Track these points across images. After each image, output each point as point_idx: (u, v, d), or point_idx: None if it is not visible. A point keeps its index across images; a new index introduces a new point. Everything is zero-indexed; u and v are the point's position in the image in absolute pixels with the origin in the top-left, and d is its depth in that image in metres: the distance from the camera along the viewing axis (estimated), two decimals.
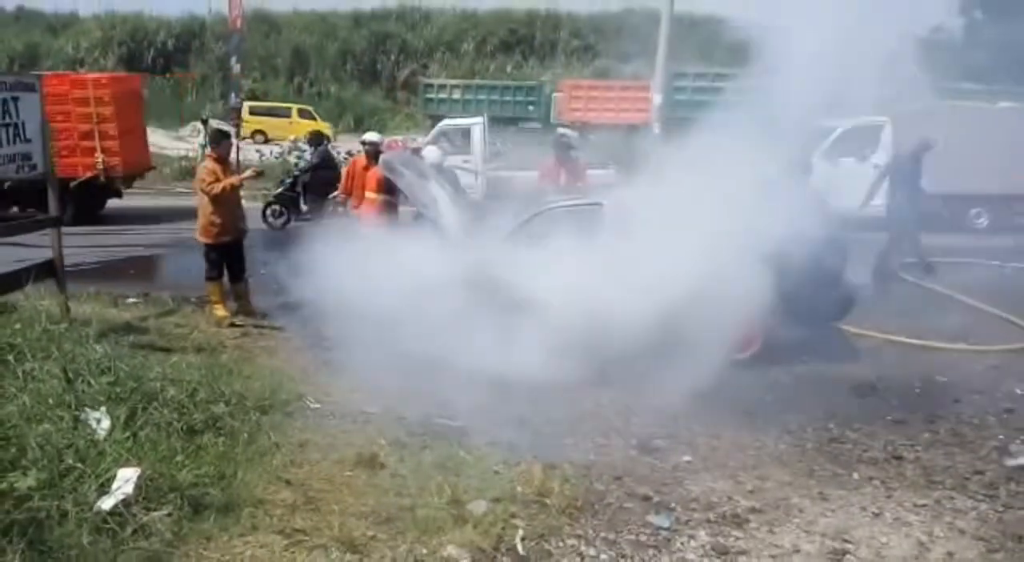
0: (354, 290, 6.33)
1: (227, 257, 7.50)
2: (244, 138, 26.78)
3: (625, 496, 4.11)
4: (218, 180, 7.16)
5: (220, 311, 7.40)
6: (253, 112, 30.31)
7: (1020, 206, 13.09)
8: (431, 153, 8.82)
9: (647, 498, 4.10)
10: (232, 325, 7.25)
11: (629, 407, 5.44)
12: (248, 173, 7.90)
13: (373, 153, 8.68)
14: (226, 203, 7.31)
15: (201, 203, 7.36)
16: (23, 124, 6.16)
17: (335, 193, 9.51)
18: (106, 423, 3.76)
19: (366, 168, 8.58)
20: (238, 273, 7.62)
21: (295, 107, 30.81)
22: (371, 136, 9.21)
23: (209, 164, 7.35)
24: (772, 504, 4.06)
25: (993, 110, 13.86)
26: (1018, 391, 5.78)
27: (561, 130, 14.46)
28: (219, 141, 7.63)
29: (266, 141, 27.17)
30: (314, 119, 29.64)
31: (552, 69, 35.88)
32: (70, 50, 37.20)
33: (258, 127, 28.71)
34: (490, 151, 15.05)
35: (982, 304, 7.91)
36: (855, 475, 4.45)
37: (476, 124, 14.73)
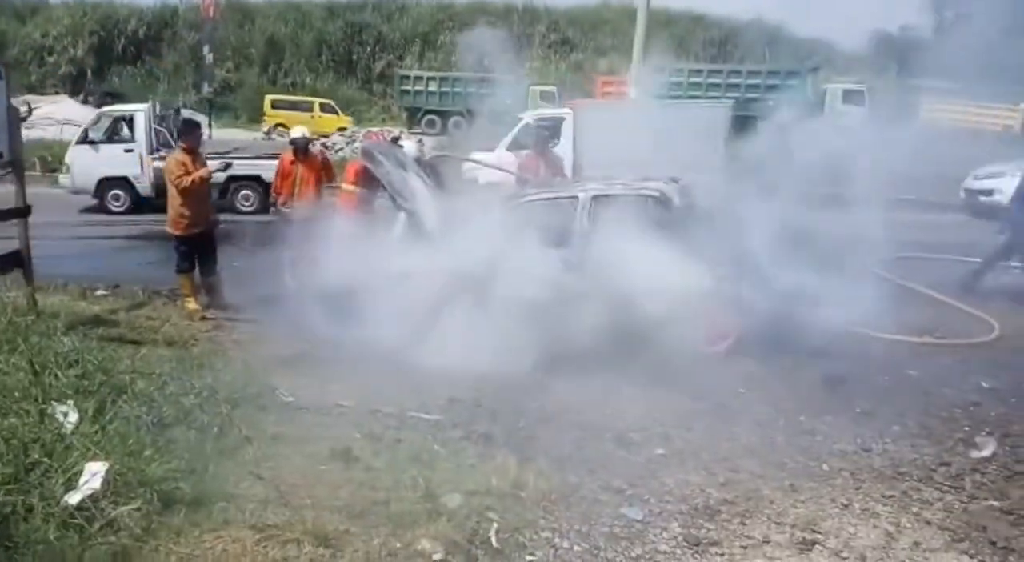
0: (329, 282, 6.30)
1: (198, 249, 7.40)
2: (267, 132, 26.52)
3: (599, 488, 4.13)
4: (187, 173, 7.07)
5: (191, 304, 7.32)
6: (275, 106, 30.14)
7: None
8: (408, 146, 8.78)
9: (621, 490, 4.12)
10: (204, 318, 7.17)
11: (603, 400, 5.46)
12: (217, 165, 7.80)
13: (302, 148, 8.45)
14: (195, 195, 7.21)
15: (170, 195, 7.26)
16: None
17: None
18: (73, 417, 3.70)
19: (292, 163, 8.41)
20: (210, 266, 7.53)
21: (317, 101, 30.54)
22: (295, 133, 8.83)
23: (179, 155, 7.24)
24: (744, 495, 4.11)
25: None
26: (984, 385, 5.89)
27: (538, 123, 14.46)
28: (189, 131, 7.52)
29: None
30: (336, 113, 29.42)
31: (529, 62, 35.84)
32: (38, 37, 36.44)
33: (281, 121, 28.27)
34: (157, 140, 14.55)
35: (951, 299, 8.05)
36: (825, 467, 4.51)
37: (140, 112, 14.30)
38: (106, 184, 14.27)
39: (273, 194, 8.66)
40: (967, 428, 5.12)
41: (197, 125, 8.03)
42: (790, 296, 6.00)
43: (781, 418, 5.22)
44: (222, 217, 8.64)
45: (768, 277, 6.01)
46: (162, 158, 13.96)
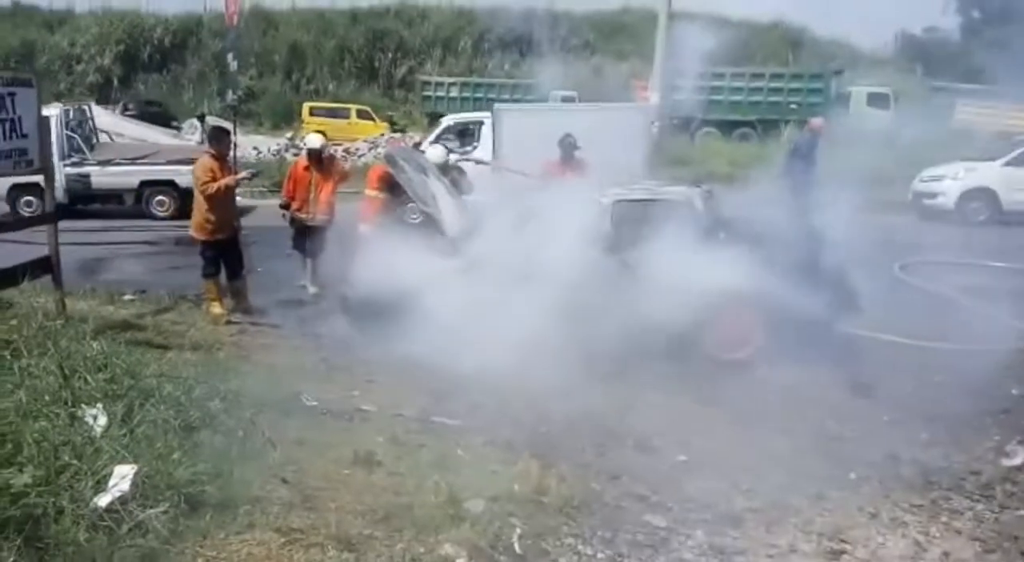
0: (353, 287, 6.34)
1: (223, 254, 7.48)
2: (290, 139, 26.69)
3: (622, 495, 4.10)
4: (215, 179, 7.15)
5: (216, 308, 7.39)
6: (313, 113, 30.49)
7: None
8: (434, 152, 8.78)
9: (644, 497, 4.09)
10: (229, 322, 7.23)
11: (625, 406, 5.44)
12: (244, 174, 7.89)
13: (316, 157, 8.45)
14: (221, 201, 7.30)
15: (196, 200, 7.36)
16: (19, 120, 6.13)
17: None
18: (103, 420, 3.74)
19: (307, 169, 8.40)
20: (236, 270, 7.60)
21: (354, 108, 30.77)
22: (312, 142, 8.76)
23: (207, 161, 7.33)
24: (769, 504, 4.07)
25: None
26: (1015, 392, 5.79)
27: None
28: (219, 138, 7.63)
29: None
30: (372, 120, 29.65)
31: (550, 67, 35.85)
32: (66, 46, 37.06)
33: (319, 128, 28.60)
34: (70, 146, 14.16)
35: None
36: (852, 475, 4.45)
37: (51, 116, 13.99)
38: (18, 191, 13.62)
39: (284, 198, 8.64)
40: (997, 436, 5.04)
41: (227, 132, 8.12)
42: (814, 301, 5.94)
43: (806, 425, 5.16)
44: (135, 223, 8.57)
45: (791, 282, 5.94)
46: (74, 164, 14.08)
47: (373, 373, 6.04)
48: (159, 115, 29.48)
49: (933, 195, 14.31)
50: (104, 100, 32.94)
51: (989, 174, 14.01)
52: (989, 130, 24.10)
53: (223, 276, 7.52)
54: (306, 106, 31.27)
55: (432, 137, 13.93)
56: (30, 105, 6.28)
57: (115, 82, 36.00)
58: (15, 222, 6.90)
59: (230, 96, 25.60)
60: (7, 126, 6.02)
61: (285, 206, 8.58)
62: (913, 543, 3.73)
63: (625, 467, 4.46)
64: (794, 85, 26.31)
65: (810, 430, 5.09)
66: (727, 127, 26.05)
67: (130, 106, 30.25)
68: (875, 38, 36.86)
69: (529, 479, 4.07)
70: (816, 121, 13.84)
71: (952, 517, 3.99)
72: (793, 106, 25.80)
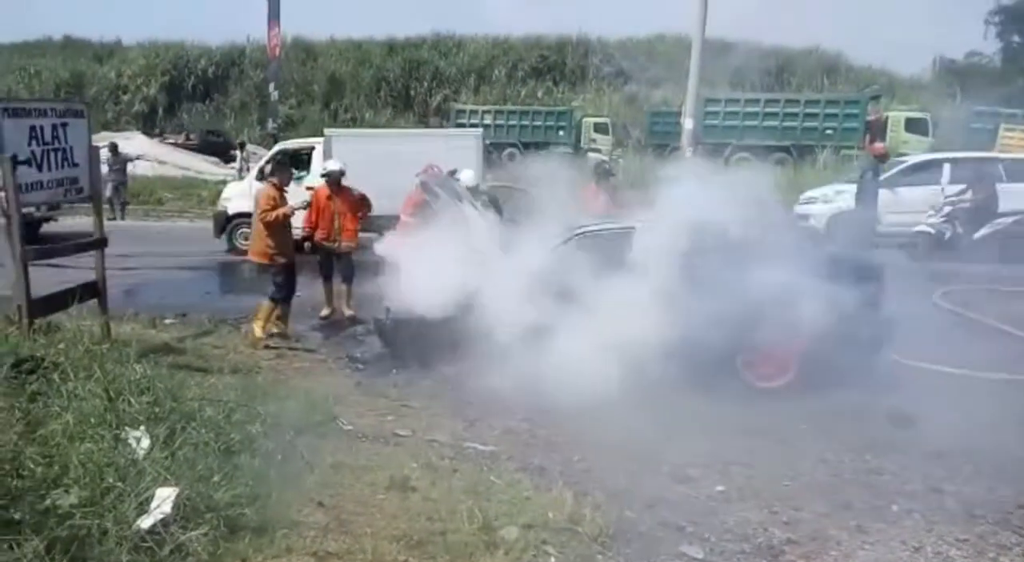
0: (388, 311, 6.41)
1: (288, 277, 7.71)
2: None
3: (657, 525, 4.06)
4: (275, 207, 7.46)
5: (258, 331, 7.51)
6: None
7: None
8: (467, 176, 8.88)
9: (680, 527, 4.04)
10: (267, 347, 7.36)
11: (661, 434, 5.39)
12: (300, 203, 8.11)
13: (336, 181, 8.49)
14: (280, 228, 7.64)
15: (256, 228, 7.66)
16: (71, 149, 6.37)
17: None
18: (146, 442, 3.82)
19: (329, 198, 8.44)
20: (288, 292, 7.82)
21: None
22: (331, 165, 8.75)
23: (269, 191, 7.67)
24: (808, 536, 3.99)
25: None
26: None
27: (599, 157, 14.44)
28: (281, 171, 7.94)
29: None
30: None
31: (583, 94, 36.13)
32: (113, 77, 38.35)
33: None
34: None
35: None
36: (894, 507, 4.35)
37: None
38: None
39: (306, 229, 8.63)
40: None
41: (288, 165, 8.41)
42: (850, 329, 5.85)
43: (846, 456, 5.07)
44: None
45: (826, 309, 5.86)
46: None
47: (407, 398, 6.09)
48: (220, 144, 30.30)
49: (806, 217, 14.01)
50: (149, 129, 33.99)
51: None
52: None
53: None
54: None
55: (263, 162, 13.65)
56: (81, 135, 6.51)
57: (160, 111, 37.14)
58: (65, 247, 7.11)
59: (270, 124, 26.24)
60: (60, 155, 6.25)
61: (307, 237, 8.60)
62: None
63: (661, 496, 4.42)
64: (830, 110, 26.12)
65: (849, 461, 4.99)
66: (762, 152, 25.92)
67: (191, 136, 31.36)
68: (913, 64, 36.51)
69: (563, 507, 4.06)
70: (879, 146, 13.76)
71: (1000, 552, 3.87)
72: (829, 132, 25.59)
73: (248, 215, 11.16)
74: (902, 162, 14.18)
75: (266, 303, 7.61)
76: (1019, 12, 35.96)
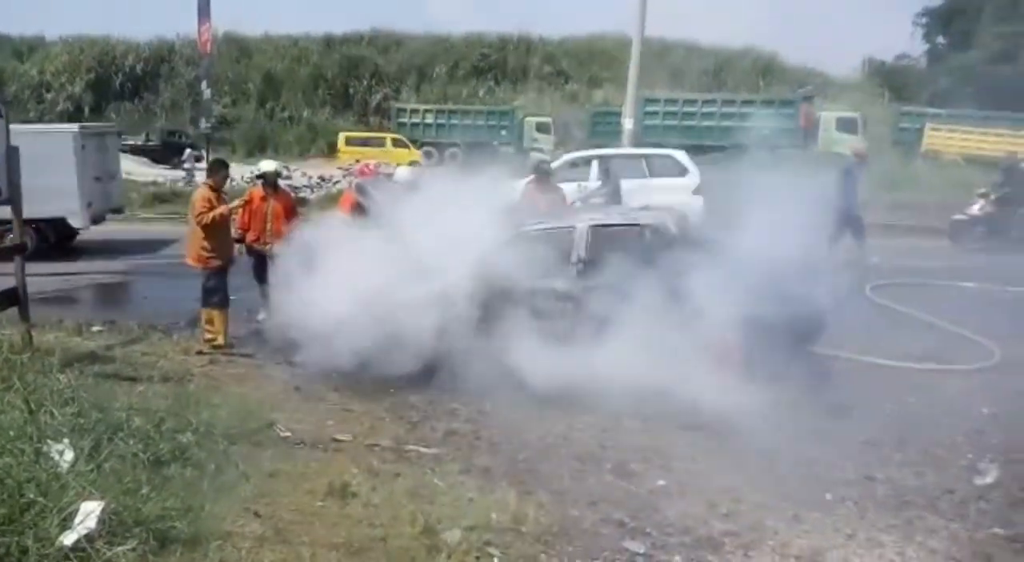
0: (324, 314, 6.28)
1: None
2: (345, 168, 26.60)
3: (600, 522, 4.08)
4: (211, 209, 7.18)
5: (221, 339, 7.29)
6: (349, 142, 30.80)
7: None
8: (403, 173, 8.75)
9: (622, 523, 4.07)
10: (200, 353, 7.14)
11: (603, 431, 5.43)
12: (236, 203, 7.86)
13: (271, 183, 8.24)
14: (217, 230, 7.34)
15: (193, 231, 7.36)
16: None
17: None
18: (69, 455, 3.66)
19: (263, 199, 8.16)
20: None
21: (389, 136, 31.05)
22: (266, 165, 8.44)
23: (205, 192, 7.37)
24: (747, 527, 4.06)
25: None
26: (985, 411, 5.86)
27: (540, 156, 14.41)
28: (217, 170, 7.65)
29: None
30: (407, 147, 29.90)
31: (524, 94, 36.24)
32: (36, 74, 36.82)
33: (357, 156, 28.50)
34: None
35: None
36: (829, 496, 4.47)
37: None
38: None
39: (238, 231, 8.24)
40: (970, 455, 5.08)
41: (226, 165, 8.06)
42: (790, 321, 5.98)
43: (783, 447, 5.17)
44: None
45: (767, 303, 5.98)
46: None
47: (348, 401, 5.98)
48: (182, 145, 29.44)
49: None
50: None
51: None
52: (959, 153, 24.81)
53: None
54: (342, 135, 31.73)
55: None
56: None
57: (86, 110, 35.76)
58: None
59: (203, 124, 25.54)
60: None
61: (239, 239, 8.22)
62: None
63: (604, 493, 4.45)
64: (765, 111, 26.82)
65: (786, 451, 5.10)
66: (699, 152, 26.47)
67: (151, 136, 30.49)
68: (844, 65, 37.65)
69: (507, 507, 4.05)
70: (860, 146, 14.35)
71: (927, 536, 4.01)
72: (764, 132, 26.26)
73: None
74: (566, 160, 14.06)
75: (216, 313, 7.34)
76: (944, 14, 37.44)
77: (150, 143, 30.21)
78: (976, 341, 7.45)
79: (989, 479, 4.69)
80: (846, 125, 25.77)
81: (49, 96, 36.29)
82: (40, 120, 33.95)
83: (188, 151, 26.51)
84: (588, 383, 5.72)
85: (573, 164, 13.31)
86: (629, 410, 5.63)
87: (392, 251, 6.36)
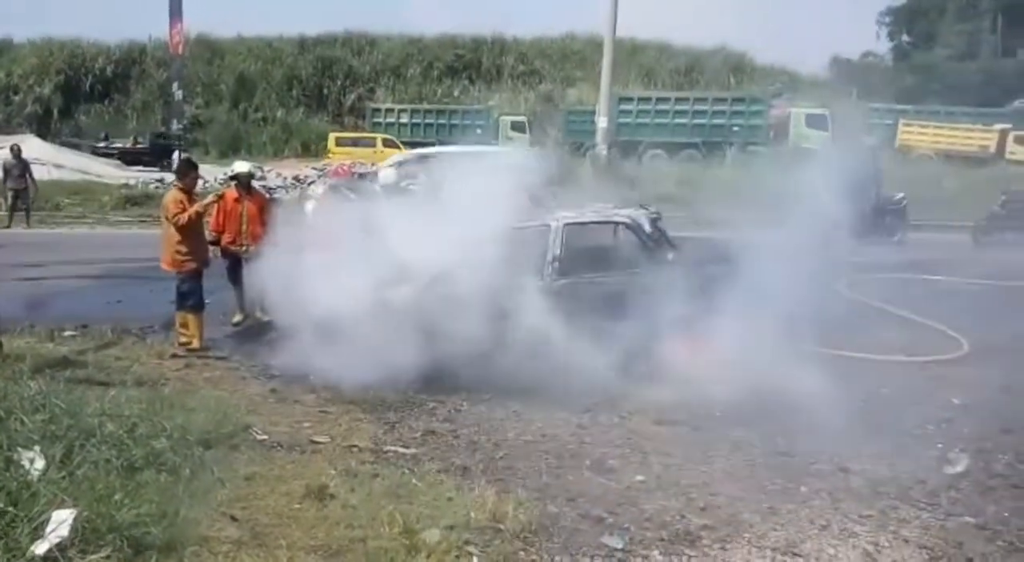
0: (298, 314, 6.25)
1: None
2: (318, 169, 26.31)
3: (579, 518, 4.10)
4: (184, 210, 7.08)
5: (196, 343, 7.20)
6: (339, 143, 30.38)
7: None
8: (386, 175, 8.73)
9: (601, 519, 4.09)
10: (174, 356, 7.05)
11: (581, 428, 5.45)
12: (210, 199, 7.77)
13: (245, 184, 8.20)
14: (192, 231, 7.25)
15: (167, 233, 7.26)
16: None
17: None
18: (40, 463, 3.60)
19: (237, 201, 8.11)
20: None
21: (380, 137, 30.64)
22: (240, 166, 8.38)
23: (176, 194, 7.27)
24: (724, 520, 4.10)
25: None
26: (955, 401, 5.97)
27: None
28: (186, 172, 7.55)
29: None
30: (397, 147, 29.58)
31: (499, 93, 36.22)
32: (3, 77, 36.12)
33: (347, 157, 28.22)
34: None
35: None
36: (803, 488, 4.52)
37: None
38: None
39: (212, 233, 8.16)
40: (941, 445, 5.17)
41: (195, 167, 7.94)
42: (759, 316, 6.05)
43: (758, 440, 5.24)
44: None
45: (740, 299, 6.05)
46: None
47: (325, 403, 5.95)
48: (171, 148, 29.00)
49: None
50: (44, 131, 32.16)
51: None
52: (932, 148, 25.26)
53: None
54: (332, 136, 31.36)
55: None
56: None
57: (55, 113, 35.17)
58: None
59: (175, 125, 25.24)
60: None
61: (214, 242, 8.14)
62: (863, 553, 3.79)
63: (582, 489, 4.47)
64: (736, 108, 27.15)
65: (761, 445, 5.16)
66: (673, 149, 26.73)
67: (140, 140, 30.03)
68: (812, 64, 38.21)
69: (485, 505, 4.05)
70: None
71: (900, 526, 4.07)
72: (735, 128, 26.61)
73: None
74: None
75: (191, 316, 7.25)
76: (907, 13, 38.10)
77: (139, 145, 29.57)
78: (946, 333, 7.60)
79: (960, 468, 4.78)
80: (815, 121, 26.09)
81: (17, 99, 35.61)
82: (8, 123, 33.37)
83: (176, 153, 26.17)
84: (565, 380, 5.75)
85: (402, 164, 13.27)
86: (606, 406, 5.67)
87: (368, 251, 6.34)
